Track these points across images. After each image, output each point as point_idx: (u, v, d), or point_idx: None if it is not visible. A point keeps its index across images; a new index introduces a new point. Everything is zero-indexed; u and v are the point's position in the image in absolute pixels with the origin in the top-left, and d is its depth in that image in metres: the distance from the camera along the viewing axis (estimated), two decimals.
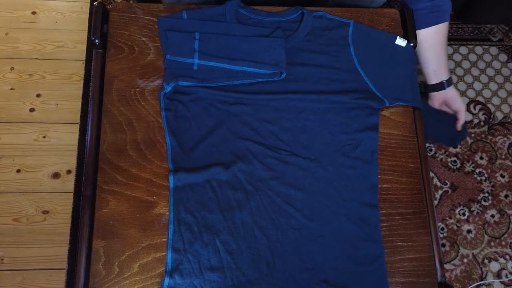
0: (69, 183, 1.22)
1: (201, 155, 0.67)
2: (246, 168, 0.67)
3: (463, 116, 0.90)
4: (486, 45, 1.48)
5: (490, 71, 1.44)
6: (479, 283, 1.22)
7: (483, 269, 1.24)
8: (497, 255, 1.25)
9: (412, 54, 0.78)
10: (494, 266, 1.24)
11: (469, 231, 1.26)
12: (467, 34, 1.49)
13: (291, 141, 0.70)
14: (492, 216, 1.28)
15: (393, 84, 0.75)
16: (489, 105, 1.40)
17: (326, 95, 0.72)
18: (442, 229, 1.26)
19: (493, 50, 1.47)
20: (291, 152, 0.69)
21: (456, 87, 1.41)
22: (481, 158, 1.34)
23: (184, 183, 0.65)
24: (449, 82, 0.87)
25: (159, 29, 0.73)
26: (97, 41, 0.71)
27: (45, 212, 1.19)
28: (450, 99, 0.89)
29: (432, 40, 0.83)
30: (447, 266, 1.23)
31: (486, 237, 1.26)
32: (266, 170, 0.67)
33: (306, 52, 0.74)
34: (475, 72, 1.44)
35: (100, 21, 0.71)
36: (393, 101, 0.74)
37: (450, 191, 1.30)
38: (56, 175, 1.23)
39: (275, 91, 0.72)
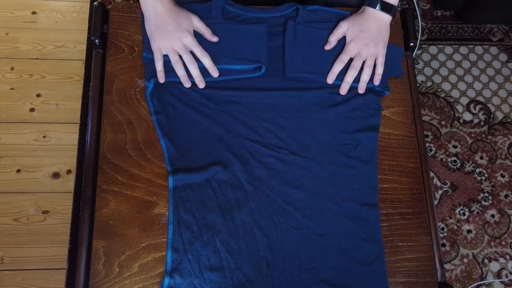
0: (69, 183, 1.22)
1: (199, 155, 0.67)
2: (245, 168, 0.66)
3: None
4: (486, 45, 1.47)
5: (490, 71, 1.44)
6: (479, 283, 1.22)
7: (483, 269, 1.24)
8: (497, 255, 1.25)
9: None
10: (494, 266, 1.24)
11: (469, 231, 1.26)
12: (467, 34, 1.48)
13: (290, 139, 0.69)
14: (492, 216, 1.28)
15: None
16: (489, 105, 1.40)
17: (325, 90, 0.71)
18: (442, 229, 1.26)
19: (493, 50, 1.47)
20: (290, 151, 0.68)
21: (456, 87, 1.41)
22: (481, 158, 1.34)
23: (184, 183, 0.65)
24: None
25: (141, 25, 0.71)
26: (97, 41, 0.71)
27: (45, 212, 1.19)
28: None
29: None
30: (447, 266, 1.23)
31: (486, 237, 1.26)
32: (264, 169, 0.67)
33: None
34: (475, 72, 1.44)
35: (100, 21, 0.71)
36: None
37: (450, 191, 1.30)
38: (56, 175, 1.23)
39: (270, 88, 0.70)
